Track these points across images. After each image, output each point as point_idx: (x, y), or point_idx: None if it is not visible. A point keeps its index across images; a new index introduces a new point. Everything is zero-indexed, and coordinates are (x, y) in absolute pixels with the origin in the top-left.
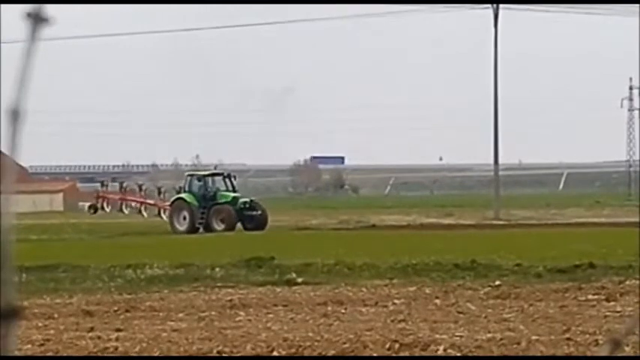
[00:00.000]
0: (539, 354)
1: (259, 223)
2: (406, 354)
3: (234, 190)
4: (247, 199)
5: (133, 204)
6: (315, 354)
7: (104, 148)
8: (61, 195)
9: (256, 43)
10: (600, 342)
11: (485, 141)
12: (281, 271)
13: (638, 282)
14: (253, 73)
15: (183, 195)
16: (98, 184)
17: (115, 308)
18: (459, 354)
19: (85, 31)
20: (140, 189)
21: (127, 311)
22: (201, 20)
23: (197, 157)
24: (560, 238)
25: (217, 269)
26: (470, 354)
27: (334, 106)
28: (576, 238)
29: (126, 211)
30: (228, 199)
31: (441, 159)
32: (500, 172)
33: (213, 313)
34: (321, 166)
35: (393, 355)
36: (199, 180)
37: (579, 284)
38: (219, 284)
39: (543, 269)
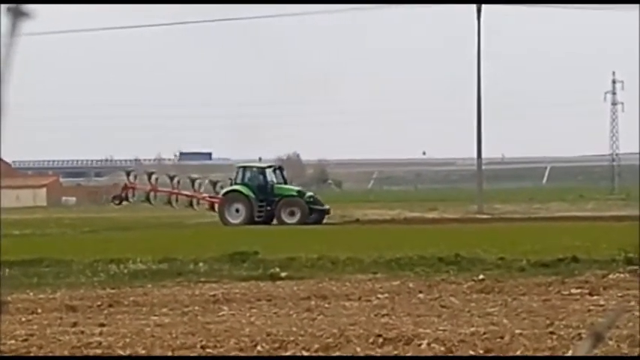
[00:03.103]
0: (522, 348)
1: (320, 218)
2: (390, 348)
3: (285, 183)
4: (311, 193)
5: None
6: (298, 348)
7: (86, 143)
8: (44, 190)
9: (243, 38)
10: (584, 336)
11: (468, 135)
12: (264, 265)
13: (621, 276)
14: (241, 68)
15: (237, 187)
16: (124, 175)
17: (99, 303)
18: (442, 348)
19: (65, 27)
20: (172, 180)
21: (110, 306)
22: (186, 15)
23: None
24: (544, 232)
25: (201, 264)
26: (453, 348)
27: (317, 99)
28: (560, 232)
29: (154, 203)
30: (293, 193)
31: (424, 153)
32: (484, 166)
33: (196, 307)
34: (188, 162)
35: (377, 349)
36: (260, 173)
37: (563, 278)
38: (202, 279)
39: (527, 263)
